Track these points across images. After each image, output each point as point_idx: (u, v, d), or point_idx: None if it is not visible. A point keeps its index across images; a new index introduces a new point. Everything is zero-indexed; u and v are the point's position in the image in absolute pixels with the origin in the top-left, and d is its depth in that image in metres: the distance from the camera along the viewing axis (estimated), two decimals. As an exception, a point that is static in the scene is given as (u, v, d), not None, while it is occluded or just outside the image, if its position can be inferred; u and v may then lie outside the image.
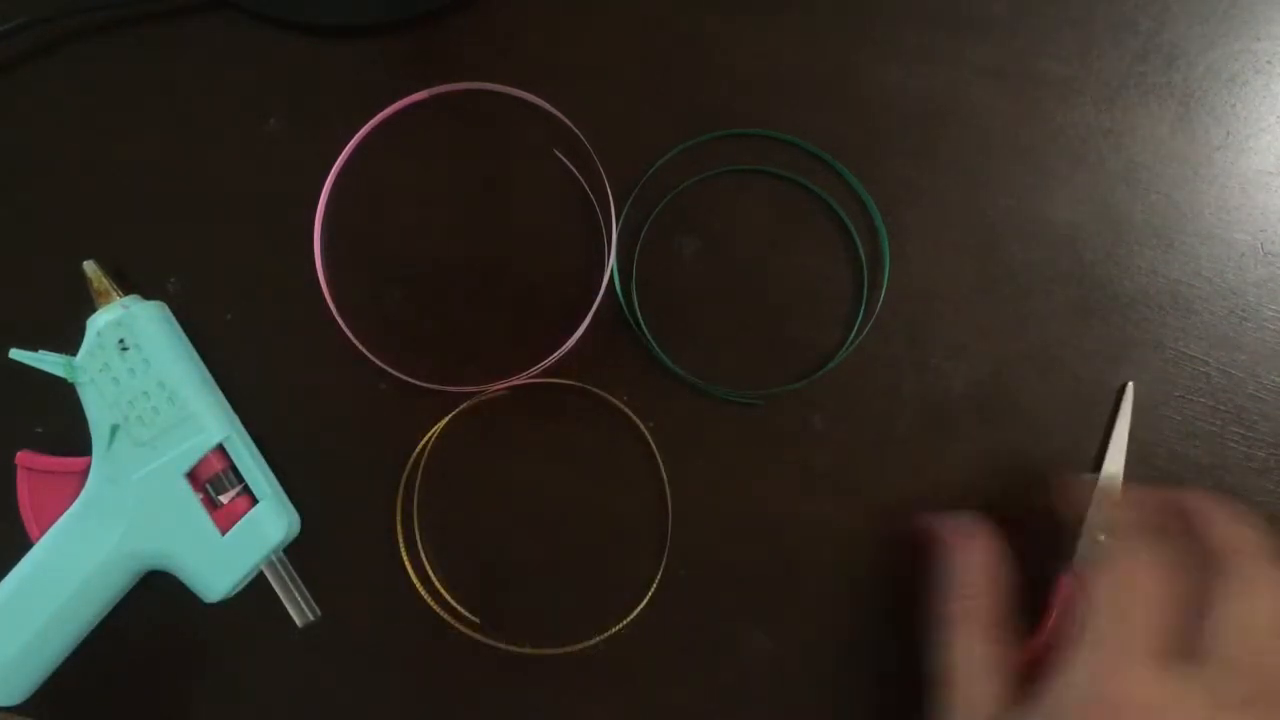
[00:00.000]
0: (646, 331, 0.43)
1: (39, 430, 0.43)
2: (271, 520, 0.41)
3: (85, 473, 0.40)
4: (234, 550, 0.40)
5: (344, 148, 0.43)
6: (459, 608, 0.43)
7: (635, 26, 0.44)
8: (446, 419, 0.43)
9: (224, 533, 0.40)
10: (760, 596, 0.43)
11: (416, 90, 0.43)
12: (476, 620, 0.43)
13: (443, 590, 0.43)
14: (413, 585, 0.43)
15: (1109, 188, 0.43)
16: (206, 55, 0.44)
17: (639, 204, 0.43)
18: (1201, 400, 0.42)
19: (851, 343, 0.43)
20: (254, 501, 0.41)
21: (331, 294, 0.43)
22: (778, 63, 0.44)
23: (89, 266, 0.42)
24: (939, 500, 0.42)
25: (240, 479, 0.41)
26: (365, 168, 0.44)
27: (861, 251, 0.43)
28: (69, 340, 0.41)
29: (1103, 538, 0.42)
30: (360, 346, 0.42)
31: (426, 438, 0.43)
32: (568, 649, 0.42)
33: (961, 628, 0.37)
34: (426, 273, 0.43)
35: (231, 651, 0.43)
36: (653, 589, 0.42)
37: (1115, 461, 0.42)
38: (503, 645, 0.43)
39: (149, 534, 0.40)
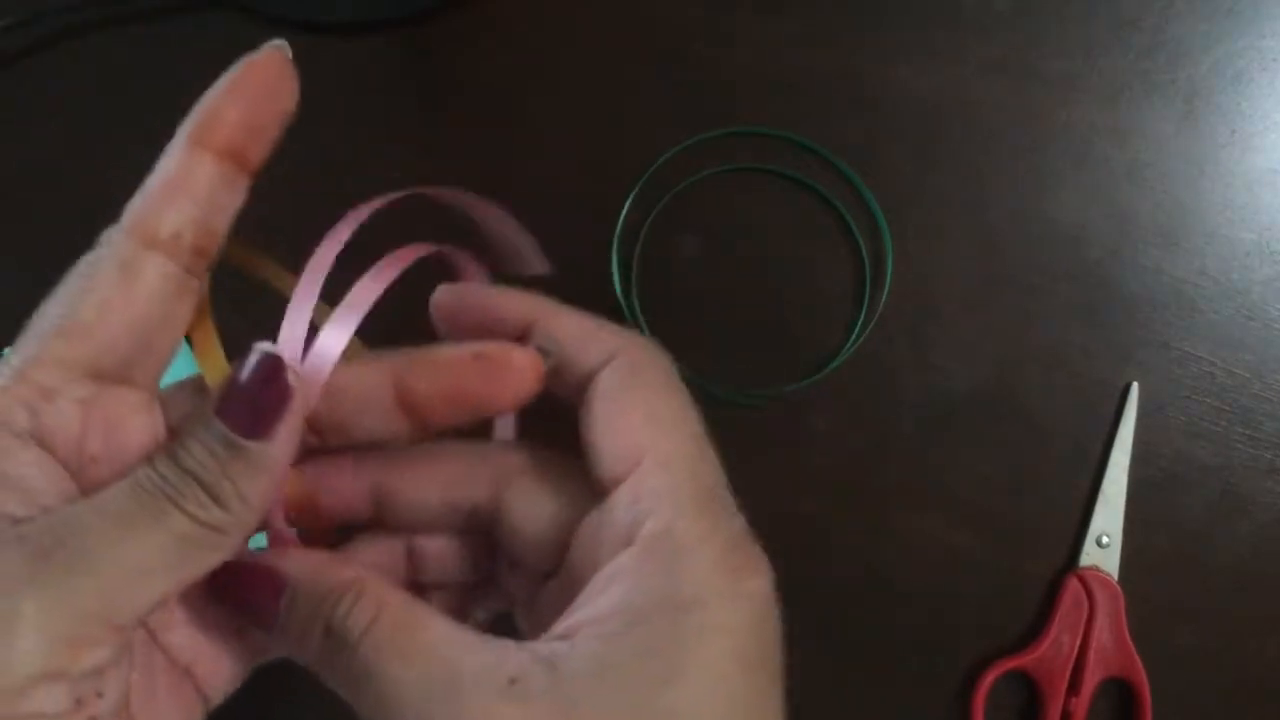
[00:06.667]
0: (647, 331, 0.42)
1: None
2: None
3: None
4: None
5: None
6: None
7: (635, 25, 0.44)
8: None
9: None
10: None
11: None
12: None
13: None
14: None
15: (1113, 186, 0.43)
16: (204, 54, 0.44)
17: (639, 204, 0.43)
18: (1207, 400, 0.42)
19: (853, 342, 0.42)
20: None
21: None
22: (779, 61, 0.43)
23: (85, 266, 0.41)
24: (940, 500, 0.42)
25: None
26: (364, 166, 0.43)
27: (864, 250, 0.43)
28: (65, 340, 0.41)
29: (1105, 539, 0.41)
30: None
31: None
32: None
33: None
34: (426, 272, 0.43)
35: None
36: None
37: (1119, 463, 0.42)
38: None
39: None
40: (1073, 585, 0.41)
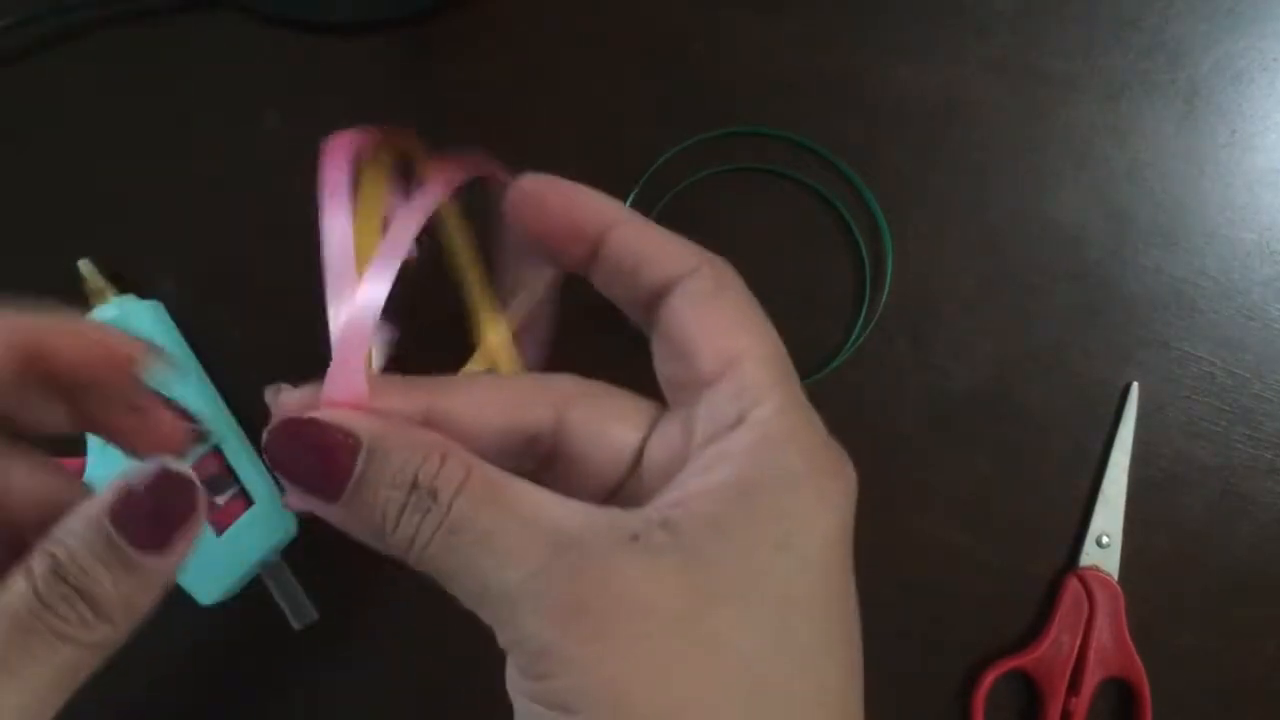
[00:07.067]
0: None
1: (35, 431, 0.43)
2: (267, 522, 0.40)
3: (81, 473, 0.40)
4: (230, 552, 0.40)
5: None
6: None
7: (635, 25, 0.44)
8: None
9: (219, 534, 0.40)
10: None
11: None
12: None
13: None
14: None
15: (1113, 186, 0.43)
16: (203, 53, 0.44)
17: (639, 204, 0.43)
18: (1207, 400, 0.42)
19: (853, 343, 0.42)
20: (250, 503, 0.41)
21: (329, 293, 0.42)
22: (779, 61, 0.43)
23: (84, 265, 0.41)
24: (940, 500, 0.42)
25: (237, 480, 0.41)
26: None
27: (864, 250, 0.43)
28: (64, 340, 0.41)
29: (1105, 539, 0.41)
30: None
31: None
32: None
33: None
34: (426, 272, 0.43)
35: (230, 653, 0.43)
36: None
37: (1119, 463, 0.42)
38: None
39: (145, 535, 0.40)
40: (1073, 585, 0.41)
